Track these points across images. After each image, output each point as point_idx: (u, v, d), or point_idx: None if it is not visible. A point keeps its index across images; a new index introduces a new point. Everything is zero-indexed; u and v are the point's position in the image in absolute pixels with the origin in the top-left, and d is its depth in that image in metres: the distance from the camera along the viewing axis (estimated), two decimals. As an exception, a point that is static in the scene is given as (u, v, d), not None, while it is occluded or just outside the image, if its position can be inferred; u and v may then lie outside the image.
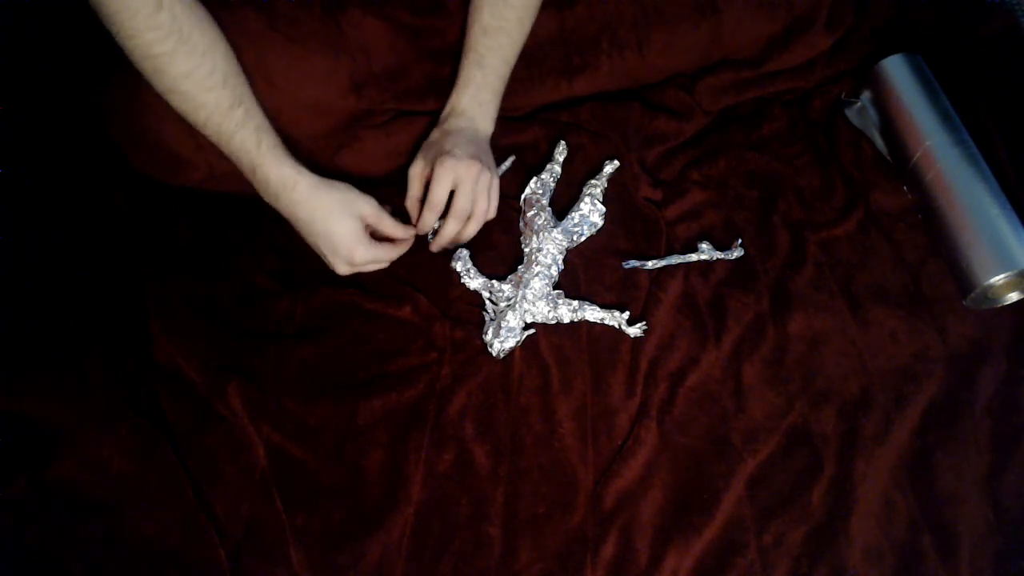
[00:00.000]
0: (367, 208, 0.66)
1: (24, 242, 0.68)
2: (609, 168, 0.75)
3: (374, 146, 0.76)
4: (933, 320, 0.68)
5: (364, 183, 0.78)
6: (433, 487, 0.60)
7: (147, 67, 0.60)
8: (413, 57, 0.74)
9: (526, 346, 0.66)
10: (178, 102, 0.62)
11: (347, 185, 0.67)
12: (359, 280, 0.71)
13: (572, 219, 0.71)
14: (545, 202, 0.73)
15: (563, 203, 0.74)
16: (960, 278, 0.68)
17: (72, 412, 0.61)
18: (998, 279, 0.65)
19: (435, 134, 0.71)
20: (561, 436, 0.62)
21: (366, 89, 0.72)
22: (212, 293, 0.71)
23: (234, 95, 0.62)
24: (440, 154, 0.67)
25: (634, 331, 0.66)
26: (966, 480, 0.60)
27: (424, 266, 0.72)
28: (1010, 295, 0.67)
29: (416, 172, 0.69)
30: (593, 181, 0.74)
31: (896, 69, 0.77)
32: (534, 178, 0.74)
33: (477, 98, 0.71)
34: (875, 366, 0.66)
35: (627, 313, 0.67)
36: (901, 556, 0.57)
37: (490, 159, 0.71)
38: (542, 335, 0.67)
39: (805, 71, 0.82)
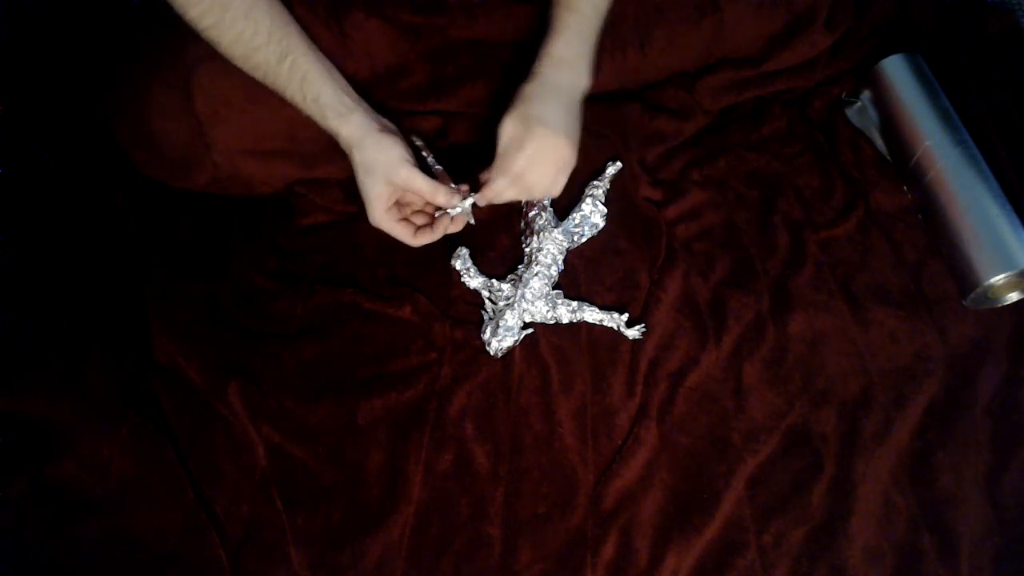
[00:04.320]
0: (399, 175, 0.63)
1: (24, 242, 0.68)
2: (611, 169, 0.75)
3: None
4: (933, 320, 0.68)
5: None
6: (433, 487, 0.60)
7: (207, 39, 0.63)
8: (415, 57, 0.74)
9: (526, 346, 0.66)
10: (239, 65, 0.64)
11: (390, 141, 0.64)
12: (358, 280, 0.71)
13: (573, 220, 0.71)
14: (547, 202, 0.73)
15: (565, 203, 0.74)
16: (960, 278, 0.68)
17: (72, 412, 0.61)
18: (998, 279, 0.65)
19: (531, 88, 0.63)
20: (561, 436, 0.62)
21: (369, 90, 0.72)
22: (212, 293, 0.71)
23: (280, 49, 0.63)
24: (533, 120, 0.62)
25: (633, 333, 0.66)
26: (966, 480, 0.60)
27: (424, 266, 0.72)
28: (1010, 295, 0.67)
29: (506, 135, 0.63)
30: (595, 182, 0.74)
31: (896, 69, 0.77)
32: None
33: (573, 45, 0.65)
34: (875, 366, 0.66)
35: (626, 315, 0.67)
36: (901, 556, 0.57)
37: (579, 128, 0.66)
38: (542, 335, 0.67)
39: (805, 71, 0.82)
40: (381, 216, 0.64)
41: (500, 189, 0.64)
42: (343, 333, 0.68)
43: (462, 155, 0.71)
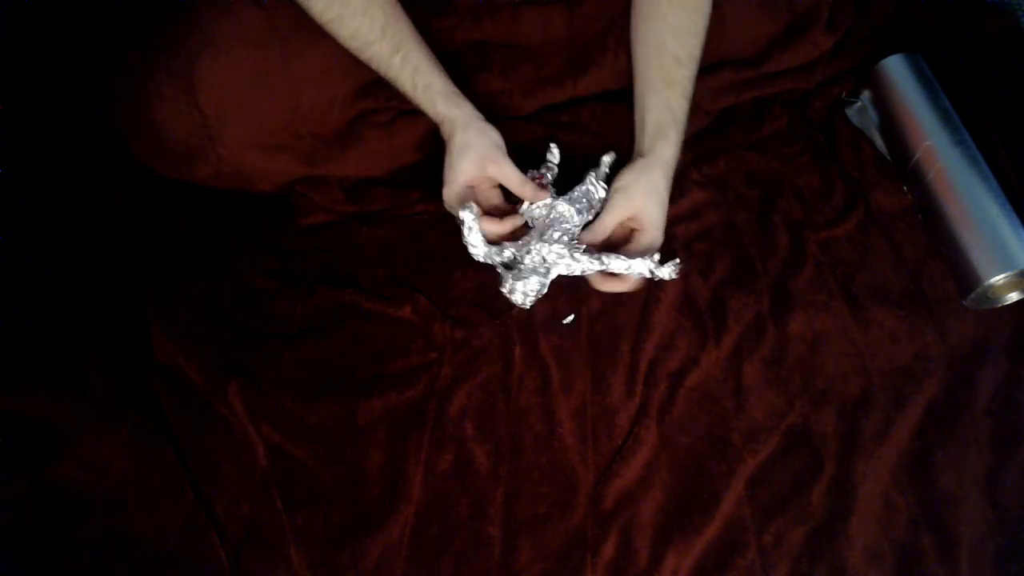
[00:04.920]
0: (493, 158, 0.66)
1: (24, 242, 0.68)
2: (607, 159, 0.73)
3: (377, 145, 0.76)
4: (933, 320, 0.68)
5: (366, 183, 0.78)
6: (433, 487, 0.60)
7: (329, 32, 0.67)
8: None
9: (526, 346, 0.66)
10: (356, 55, 0.68)
11: (492, 129, 0.67)
12: (358, 280, 0.71)
13: (574, 192, 0.68)
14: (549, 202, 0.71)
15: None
16: (960, 278, 0.68)
17: (72, 412, 0.61)
18: (998, 279, 0.65)
19: (650, 178, 0.66)
20: (561, 436, 0.62)
21: (371, 89, 0.72)
22: (212, 293, 0.71)
23: (392, 43, 0.67)
24: (648, 216, 0.65)
25: (667, 271, 0.63)
26: (966, 480, 0.60)
27: (424, 266, 0.72)
28: (1010, 295, 0.67)
29: (618, 214, 0.66)
30: (593, 171, 0.72)
31: (896, 69, 0.77)
32: None
33: (683, 128, 0.69)
34: (875, 366, 0.66)
35: (657, 255, 0.64)
36: (901, 556, 0.57)
37: (667, 206, 0.68)
38: (542, 335, 0.67)
39: (806, 72, 0.82)
40: (453, 193, 0.66)
41: (611, 287, 0.67)
42: (343, 333, 0.68)
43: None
